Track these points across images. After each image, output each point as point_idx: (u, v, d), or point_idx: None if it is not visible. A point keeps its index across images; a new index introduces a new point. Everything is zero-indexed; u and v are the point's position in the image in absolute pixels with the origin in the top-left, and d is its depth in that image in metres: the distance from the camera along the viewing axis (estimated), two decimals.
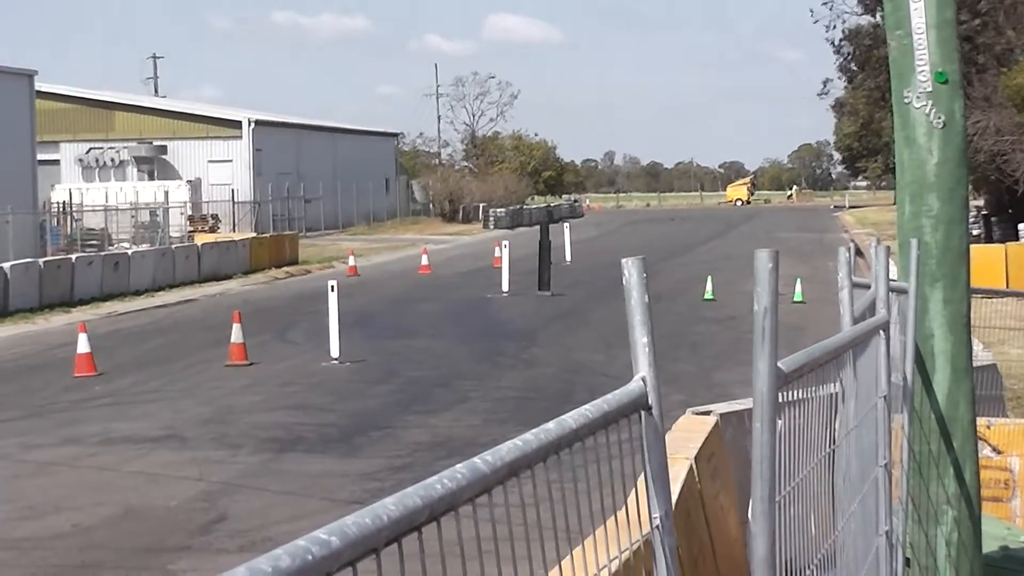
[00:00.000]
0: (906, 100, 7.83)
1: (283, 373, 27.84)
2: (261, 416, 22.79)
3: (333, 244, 77.16)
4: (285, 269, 59.11)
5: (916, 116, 7.82)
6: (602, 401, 3.29)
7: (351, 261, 58.28)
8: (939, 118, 7.78)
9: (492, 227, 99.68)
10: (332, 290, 29.81)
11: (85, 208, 66.54)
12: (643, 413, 3.48)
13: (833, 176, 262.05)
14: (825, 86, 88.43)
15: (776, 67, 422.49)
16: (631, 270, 3.58)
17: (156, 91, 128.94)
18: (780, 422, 4.06)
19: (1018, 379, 20.10)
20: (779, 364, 4.07)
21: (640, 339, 3.55)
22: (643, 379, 3.53)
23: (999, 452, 13.00)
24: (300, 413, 23.11)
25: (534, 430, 2.92)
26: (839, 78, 73.40)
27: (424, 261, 57.49)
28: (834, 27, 70.23)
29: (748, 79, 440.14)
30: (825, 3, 68.26)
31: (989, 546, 8.40)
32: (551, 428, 2.99)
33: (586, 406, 3.22)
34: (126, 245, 59.38)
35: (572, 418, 3.11)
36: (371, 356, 29.61)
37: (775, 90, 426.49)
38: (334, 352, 28.98)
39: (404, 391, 25.35)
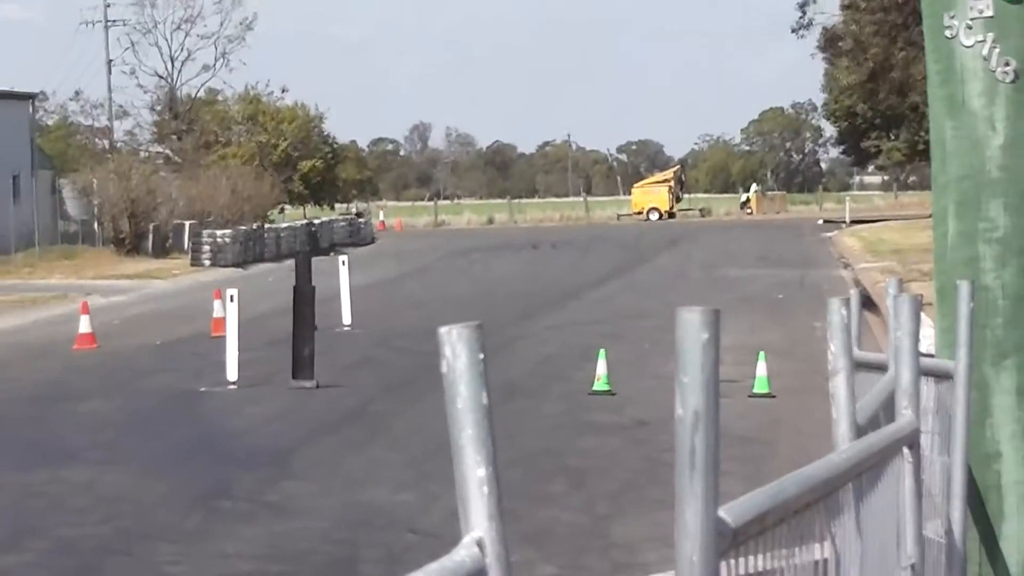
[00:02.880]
0: (948, 32, 3.70)
1: None
2: None
3: None
4: None
5: (966, 60, 3.68)
6: None
7: None
8: (1007, 64, 3.64)
9: (208, 263, 48.93)
10: None
11: None
12: None
13: (823, 166, 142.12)
14: (804, 11, 46.71)
15: None
16: (456, 347, 1.66)
17: None
18: None
19: None
20: (720, 513, 2.07)
21: (474, 470, 1.65)
22: (478, 541, 1.63)
23: None
24: None
25: None
26: None
27: (85, 326, 25.82)
28: None
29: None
30: None
31: None
32: None
33: None
34: None
35: None
36: None
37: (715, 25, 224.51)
38: None
39: (47, 567, 11.12)
